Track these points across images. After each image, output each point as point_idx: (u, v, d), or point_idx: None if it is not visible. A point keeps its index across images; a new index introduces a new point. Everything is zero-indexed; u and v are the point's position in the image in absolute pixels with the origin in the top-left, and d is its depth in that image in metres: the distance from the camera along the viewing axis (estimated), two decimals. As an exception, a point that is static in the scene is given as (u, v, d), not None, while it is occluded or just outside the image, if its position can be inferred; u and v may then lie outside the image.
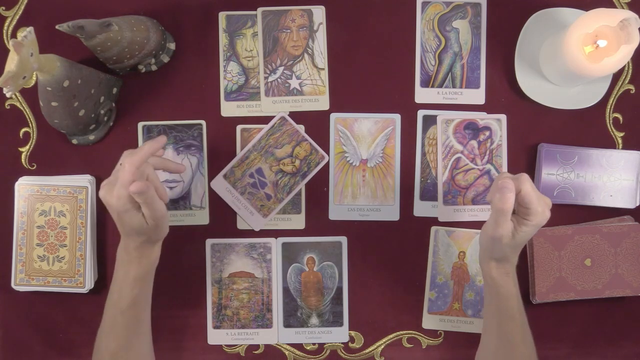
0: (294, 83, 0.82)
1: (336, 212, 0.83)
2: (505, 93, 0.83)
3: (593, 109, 0.82)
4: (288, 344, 0.83)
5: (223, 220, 0.83)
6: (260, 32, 0.83)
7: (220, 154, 0.82)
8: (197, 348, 0.83)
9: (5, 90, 0.62)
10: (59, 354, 0.82)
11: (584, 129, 0.83)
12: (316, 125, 0.82)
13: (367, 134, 0.83)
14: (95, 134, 0.81)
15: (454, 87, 0.83)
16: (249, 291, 0.82)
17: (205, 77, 0.83)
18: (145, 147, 0.65)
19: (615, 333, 0.83)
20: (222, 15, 0.83)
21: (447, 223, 0.83)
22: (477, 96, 0.83)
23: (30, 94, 0.82)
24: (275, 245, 0.82)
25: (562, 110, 0.82)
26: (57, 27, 0.65)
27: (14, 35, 0.82)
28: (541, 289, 0.80)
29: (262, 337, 0.82)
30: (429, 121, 0.83)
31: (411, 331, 0.83)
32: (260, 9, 0.83)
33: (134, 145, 0.82)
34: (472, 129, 0.82)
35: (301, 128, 0.82)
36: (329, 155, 0.82)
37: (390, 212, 0.83)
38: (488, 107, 0.83)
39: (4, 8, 0.82)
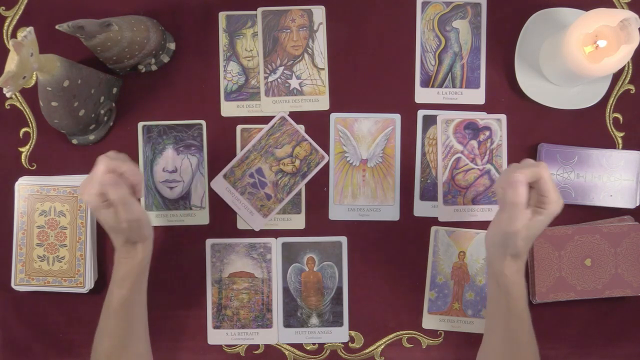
0: (294, 83, 0.82)
1: (336, 212, 0.83)
2: (505, 93, 0.83)
3: (593, 109, 0.82)
4: (288, 344, 0.83)
5: (223, 220, 0.82)
6: (260, 32, 0.83)
7: (220, 154, 0.82)
8: (197, 348, 0.82)
9: (5, 90, 0.62)
10: (59, 354, 0.82)
11: (584, 129, 0.83)
12: (316, 125, 0.82)
13: (367, 134, 0.83)
14: (95, 134, 0.81)
15: (454, 87, 0.83)
16: (249, 291, 0.82)
17: (205, 77, 0.82)
18: (127, 163, 0.65)
19: (615, 333, 0.83)
20: (222, 15, 0.83)
21: (447, 223, 0.83)
22: (477, 96, 0.83)
23: (30, 94, 0.82)
24: (275, 245, 0.82)
25: (562, 110, 0.82)
26: (57, 27, 0.65)
27: (14, 35, 0.82)
28: (541, 289, 0.80)
29: (262, 337, 0.82)
30: (429, 121, 0.83)
31: (411, 331, 0.83)
32: (260, 9, 0.83)
33: (134, 145, 0.82)
34: (472, 129, 0.82)
35: (301, 128, 0.82)
36: (329, 155, 0.82)
37: (390, 212, 0.83)
38: (488, 107, 0.83)
39: (4, 8, 0.82)
